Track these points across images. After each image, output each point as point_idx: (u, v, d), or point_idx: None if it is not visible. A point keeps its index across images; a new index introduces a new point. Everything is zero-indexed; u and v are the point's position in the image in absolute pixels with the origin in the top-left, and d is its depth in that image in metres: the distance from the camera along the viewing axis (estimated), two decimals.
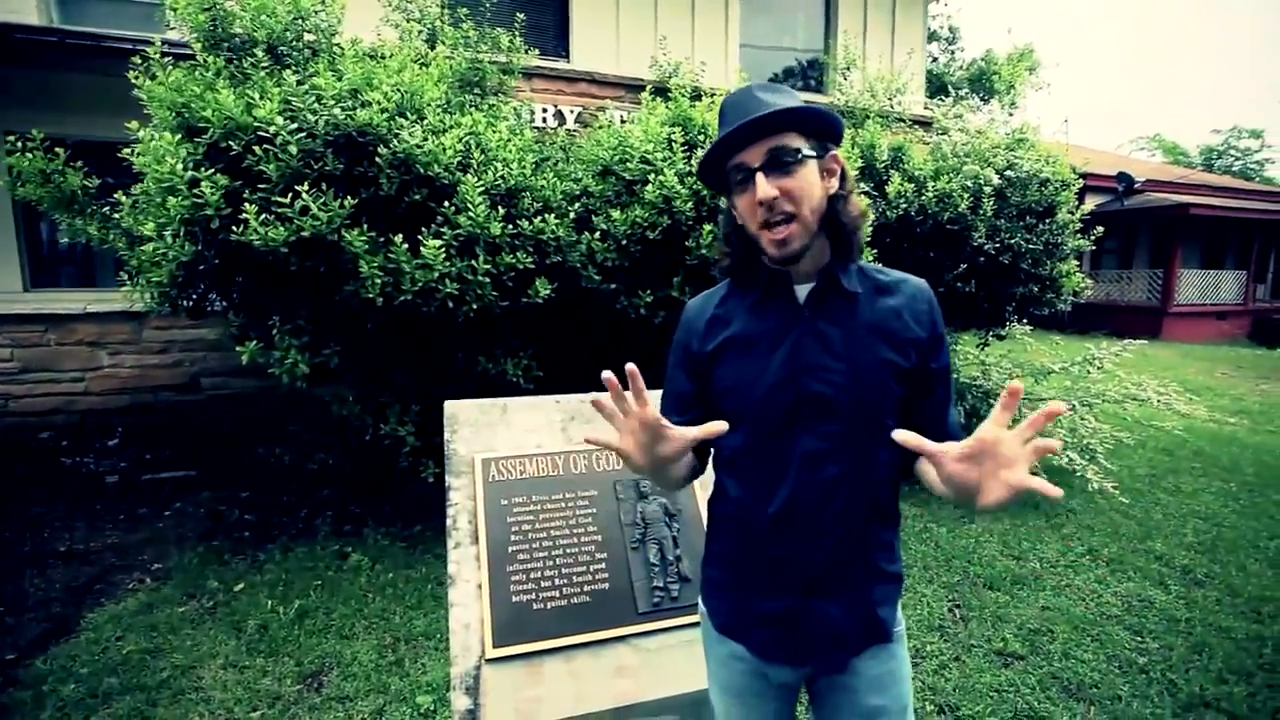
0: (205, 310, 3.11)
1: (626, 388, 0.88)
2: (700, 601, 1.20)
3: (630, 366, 0.87)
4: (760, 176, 0.93)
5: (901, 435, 0.83)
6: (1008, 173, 4.11)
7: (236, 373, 4.79)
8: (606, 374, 0.88)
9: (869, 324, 0.99)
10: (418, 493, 3.84)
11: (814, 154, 0.96)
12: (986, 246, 4.00)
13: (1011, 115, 4.73)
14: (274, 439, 4.67)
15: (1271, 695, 2.32)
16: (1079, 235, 4.41)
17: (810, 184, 0.95)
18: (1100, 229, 4.62)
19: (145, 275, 2.73)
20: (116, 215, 2.83)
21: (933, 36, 19.45)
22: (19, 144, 2.91)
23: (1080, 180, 4.46)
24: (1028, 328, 4.86)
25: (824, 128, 0.97)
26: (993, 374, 4.69)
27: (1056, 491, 0.70)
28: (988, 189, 3.95)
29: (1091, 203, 14.18)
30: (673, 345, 1.16)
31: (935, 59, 19.49)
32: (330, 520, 3.76)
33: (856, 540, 1.00)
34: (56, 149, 3.01)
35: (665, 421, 0.90)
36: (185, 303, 2.95)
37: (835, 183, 1.00)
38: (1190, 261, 14.65)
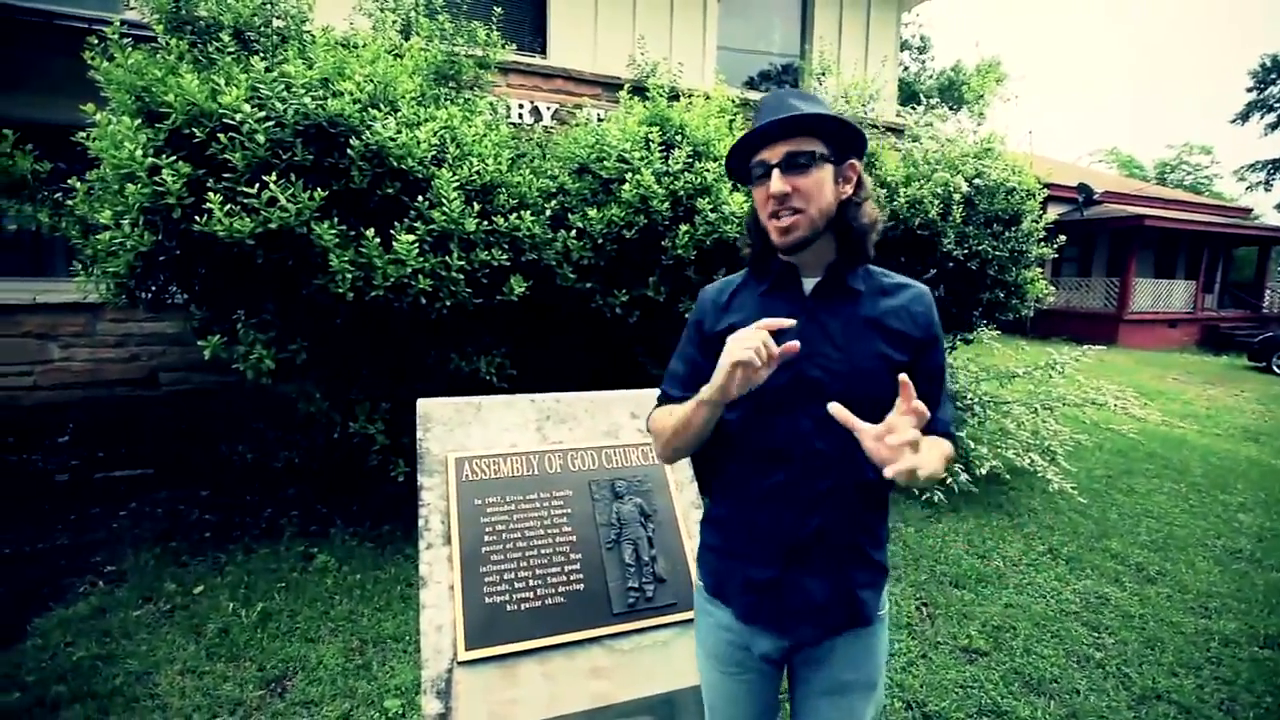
0: (165, 303, 2.99)
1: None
2: (695, 566, 1.29)
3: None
4: (776, 172, 1.01)
5: (833, 408, 0.90)
6: (976, 181, 4.21)
7: (197, 368, 4.62)
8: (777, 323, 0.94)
9: (868, 319, 1.07)
10: (387, 492, 3.76)
11: (830, 159, 1.03)
12: (955, 252, 4.09)
13: (980, 125, 4.85)
14: (237, 436, 4.52)
15: (1219, 687, 2.43)
16: (1042, 243, 4.54)
17: (821, 185, 1.03)
18: (1062, 237, 4.76)
19: (101, 265, 2.62)
20: (70, 202, 2.70)
21: (904, 46, 19.88)
22: None
23: (1044, 190, 4.60)
24: (994, 332, 4.99)
25: (846, 138, 1.05)
26: (960, 377, 4.80)
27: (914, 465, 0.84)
28: (957, 196, 4.04)
29: (1054, 212, 14.65)
30: (687, 324, 1.25)
31: (906, 68, 19.93)
32: (296, 520, 3.66)
33: (842, 520, 1.07)
34: (4, 131, 2.86)
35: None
36: (144, 295, 2.83)
37: (850, 189, 1.07)
38: (1144, 270, 15.26)
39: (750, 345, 0.90)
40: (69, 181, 2.70)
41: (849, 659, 1.12)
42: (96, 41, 2.75)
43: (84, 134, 2.54)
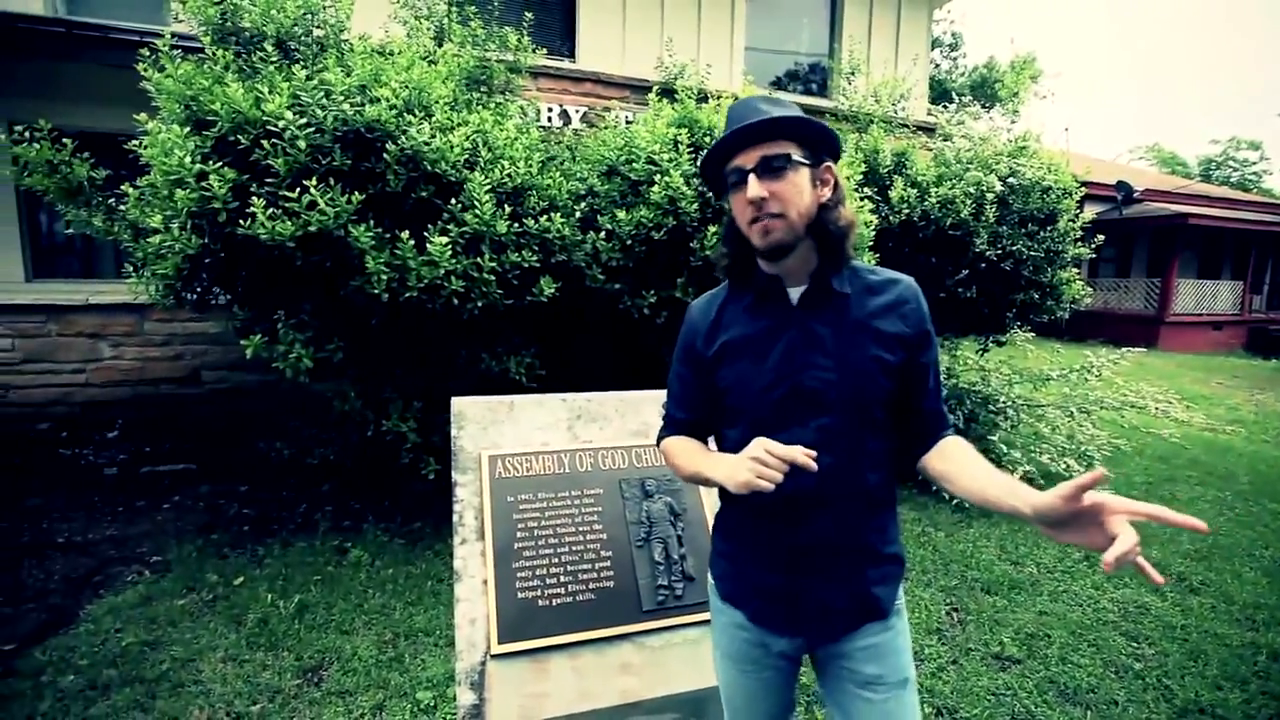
0: (209, 304, 3.11)
1: None
2: (709, 569, 1.29)
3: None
4: (752, 178, 1.00)
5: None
6: (1010, 180, 4.13)
7: (238, 367, 4.78)
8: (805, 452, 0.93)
9: (858, 323, 1.06)
10: (418, 490, 3.84)
11: (806, 162, 1.02)
12: (988, 253, 4.02)
13: (1014, 123, 4.75)
14: (274, 434, 4.67)
15: (1266, 703, 2.34)
16: (1079, 243, 4.43)
17: (798, 188, 1.01)
18: (1100, 237, 4.65)
19: (150, 268, 2.73)
20: (122, 207, 2.83)
21: (935, 43, 19.56)
22: (26, 134, 2.90)
23: (1081, 188, 4.49)
24: (1029, 334, 4.89)
25: (820, 140, 1.04)
26: (992, 380, 4.71)
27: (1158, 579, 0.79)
28: (990, 195, 3.97)
29: (1091, 211, 14.24)
30: (678, 345, 1.24)
31: (938, 65, 19.59)
32: (330, 515, 3.76)
33: (849, 525, 1.07)
34: (64, 140, 3.00)
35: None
36: (190, 296, 2.95)
37: (827, 192, 1.06)
38: (1187, 271, 14.73)
39: (764, 475, 0.93)
40: (122, 187, 2.83)
41: (872, 654, 1.10)
42: (148, 53, 2.88)
43: (136, 142, 2.65)
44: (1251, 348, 14.21)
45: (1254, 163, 31.99)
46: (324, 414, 4.02)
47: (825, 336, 1.05)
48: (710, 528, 1.72)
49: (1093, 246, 4.55)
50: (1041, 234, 4.18)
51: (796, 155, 1.00)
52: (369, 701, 2.25)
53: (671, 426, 1.26)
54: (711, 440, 1.24)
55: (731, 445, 1.11)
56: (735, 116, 1.04)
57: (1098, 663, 2.54)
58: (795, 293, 1.08)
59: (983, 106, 5.34)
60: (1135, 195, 13.88)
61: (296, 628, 2.68)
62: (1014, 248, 4.06)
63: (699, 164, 1.16)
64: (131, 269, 2.91)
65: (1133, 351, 4.49)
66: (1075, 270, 4.57)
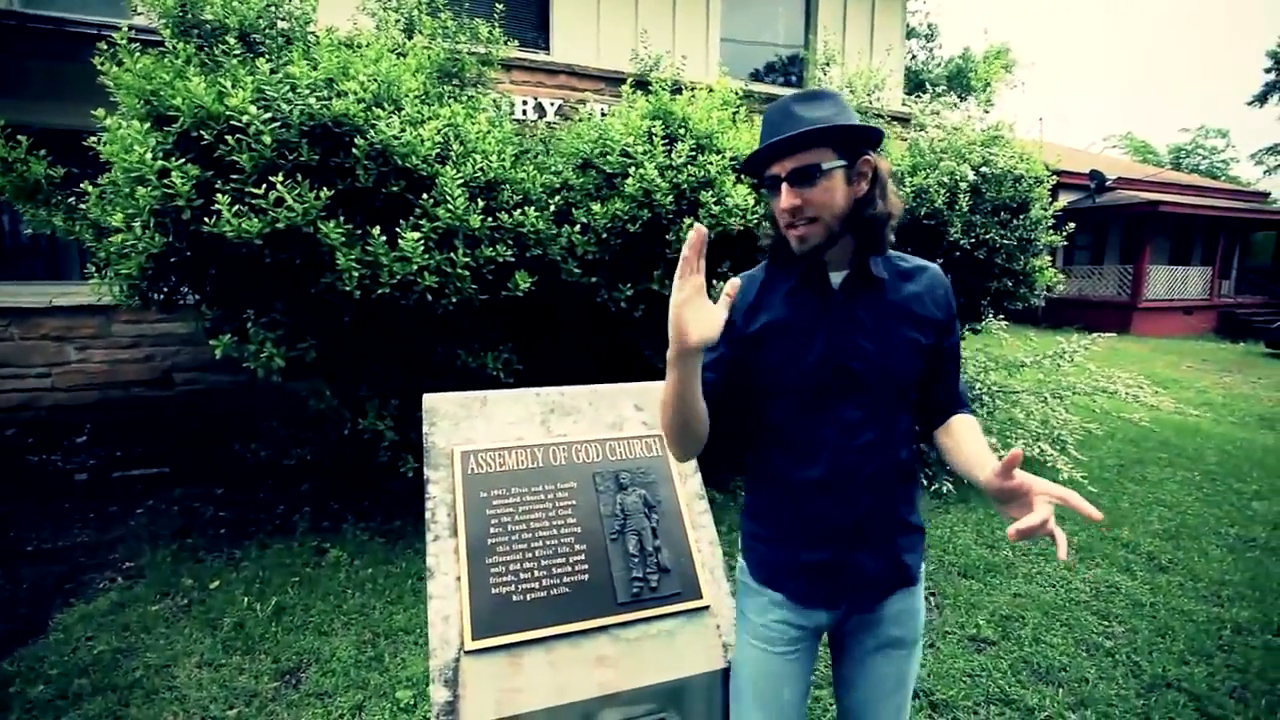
0: (177, 303, 3.04)
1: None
2: (740, 557, 1.31)
3: (699, 228, 0.91)
4: (785, 187, 1.03)
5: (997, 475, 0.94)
6: (983, 169, 4.18)
7: (210, 367, 4.69)
8: (698, 226, 0.92)
9: (895, 306, 1.12)
10: (397, 488, 3.81)
11: (839, 164, 1.03)
12: (962, 242, 4.06)
13: (987, 113, 4.80)
14: (250, 435, 4.59)
15: (1230, 675, 2.41)
16: (1051, 231, 4.50)
17: (831, 194, 1.03)
18: (1072, 225, 4.73)
19: (114, 268, 2.67)
20: (83, 206, 2.75)
21: (912, 33, 19.69)
22: None
23: (1053, 177, 4.55)
24: (1003, 322, 4.96)
25: (858, 138, 1.05)
26: (968, 367, 4.78)
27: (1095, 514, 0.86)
28: (964, 185, 4.01)
29: (1064, 199, 14.48)
30: None
31: (914, 56, 19.73)
32: (308, 516, 3.72)
33: (885, 497, 1.14)
34: (18, 137, 2.91)
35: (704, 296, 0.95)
36: (156, 296, 2.88)
37: (865, 185, 1.07)
38: (1159, 258, 15.05)
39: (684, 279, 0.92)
40: (82, 185, 2.75)
41: (897, 618, 1.18)
42: (106, 47, 2.79)
43: (95, 138, 2.58)
44: (1221, 331, 14.59)
45: (1221, 150, 32.72)
46: (300, 413, 3.97)
47: (865, 319, 1.10)
48: (685, 521, 1.73)
49: (1064, 234, 4.62)
50: (1014, 222, 4.23)
51: (828, 163, 1.01)
52: (348, 702, 2.23)
53: None
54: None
55: (775, 421, 1.16)
56: (770, 123, 1.06)
57: (1070, 641, 2.60)
58: (836, 277, 1.12)
59: (959, 97, 5.38)
60: (1108, 183, 14.13)
61: (274, 630, 2.64)
62: (987, 236, 4.10)
63: (740, 164, 1.19)
64: (94, 269, 2.83)
65: (1105, 337, 4.58)
66: (1048, 258, 4.64)
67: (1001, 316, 4.88)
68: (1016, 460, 0.90)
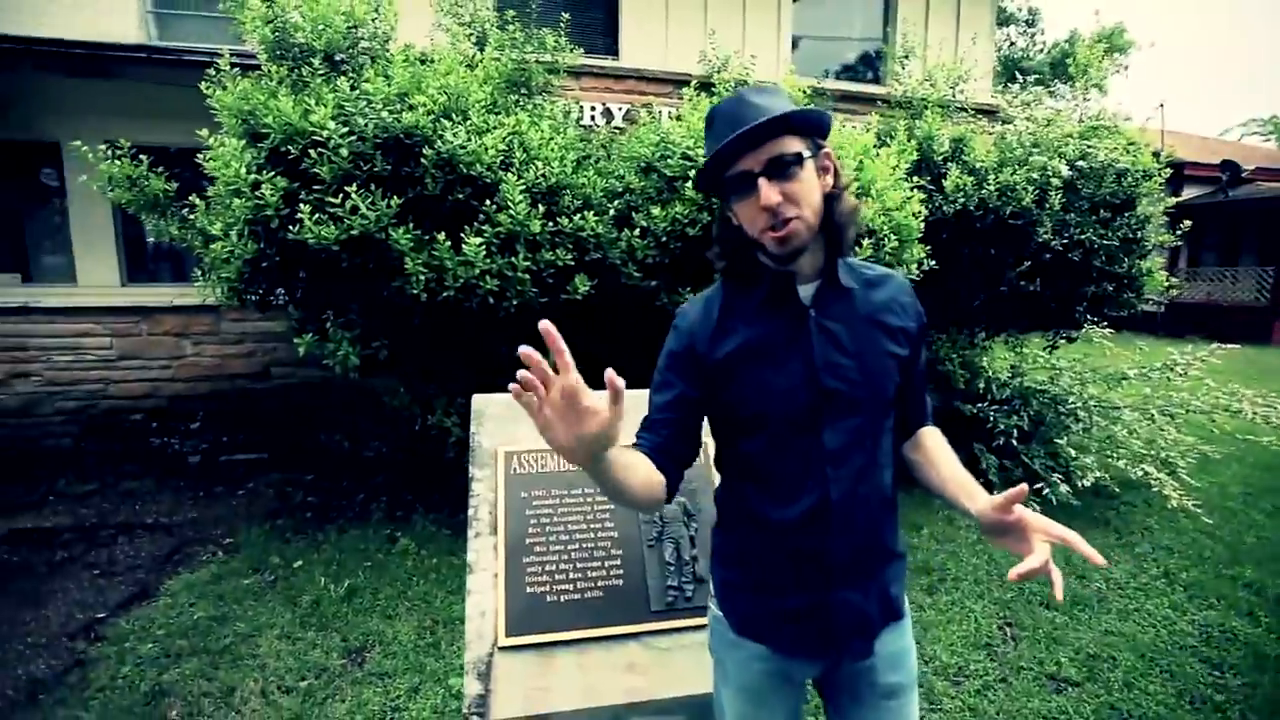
0: (271, 304, 3.31)
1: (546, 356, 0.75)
2: (711, 604, 1.20)
3: (544, 323, 0.72)
4: (763, 182, 0.93)
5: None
6: (1080, 163, 3.83)
7: (302, 363, 5.09)
8: (524, 348, 0.72)
9: (867, 317, 1.04)
10: (463, 483, 3.96)
11: (810, 154, 0.97)
12: (1053, 242, 3.74)
13: (1088, 101, 4.38)
14: (336, 427, 4.94)
15: None
16: (1165, 230, 4.05)
17: (810, 185, 0.97)
18: (1187, 223, 4.23)
19: (216, 272, 2.94)
20: (192, 216, 3.06)
21: (1010, 19, 18.36)
22: (109, 151, 3.18)
23: (1165, 170, 4.10)
24: (1107, 330, 4.51)
25: (816, 126, 0.98)
26: (1064, 378, 4.39)
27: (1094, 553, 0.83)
28: (1056, 181, 3.69)
29: (1189, 194, 13.02)
30: (666, 352, 1.10)
31: (1012, 43, 18.38)
32: (384, 505, 3.95)
33: (874, 528, 1.04)
34: (141, 156, 3.28)
35: (583, 388, 0.75)
36: (252, 297, 3.15)
37: (830, 180, 1.01)
38: None
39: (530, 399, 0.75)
40: (192, 198, 3.06)
41: (891, 661, 1.08)
42: (214, 72, 3.10)
43: (203, 155, 2.86)
44: None
45: None
46: (378, 408, 4.22)
47: (841, 334, 1.01)
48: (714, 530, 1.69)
49: (1179, 233, 4.15)
50: (1116, 221, 3.85)
51: (803, 150, 0.94)
52: (405, 684, 2.35)
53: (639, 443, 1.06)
54: (644, 458, 1.01)
55: (749, 456, 1.05)
56: (726, 117, 0.96)
57: (1169, 691, 2.33)
58: (805, 291, 1.03)
59: (1067, 85, 4.96)
60: (1243, 175, 12.57)
61: (345, 610, 2.83)
62: (1083, 236, 3.75)
63: (694, 176, 1.12)
64: (200, 273, 3.14)
65: (1227, 347, 4.06)
66: (1160, 259, 4.18)
67: (1105, 323, 4.45)
68: (1020, 496, 0.85)
